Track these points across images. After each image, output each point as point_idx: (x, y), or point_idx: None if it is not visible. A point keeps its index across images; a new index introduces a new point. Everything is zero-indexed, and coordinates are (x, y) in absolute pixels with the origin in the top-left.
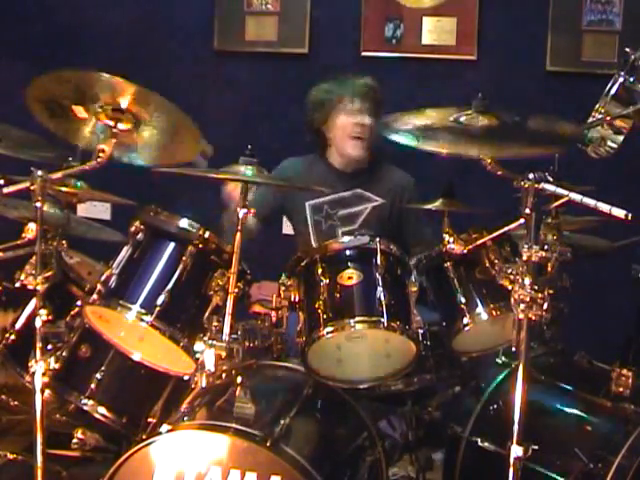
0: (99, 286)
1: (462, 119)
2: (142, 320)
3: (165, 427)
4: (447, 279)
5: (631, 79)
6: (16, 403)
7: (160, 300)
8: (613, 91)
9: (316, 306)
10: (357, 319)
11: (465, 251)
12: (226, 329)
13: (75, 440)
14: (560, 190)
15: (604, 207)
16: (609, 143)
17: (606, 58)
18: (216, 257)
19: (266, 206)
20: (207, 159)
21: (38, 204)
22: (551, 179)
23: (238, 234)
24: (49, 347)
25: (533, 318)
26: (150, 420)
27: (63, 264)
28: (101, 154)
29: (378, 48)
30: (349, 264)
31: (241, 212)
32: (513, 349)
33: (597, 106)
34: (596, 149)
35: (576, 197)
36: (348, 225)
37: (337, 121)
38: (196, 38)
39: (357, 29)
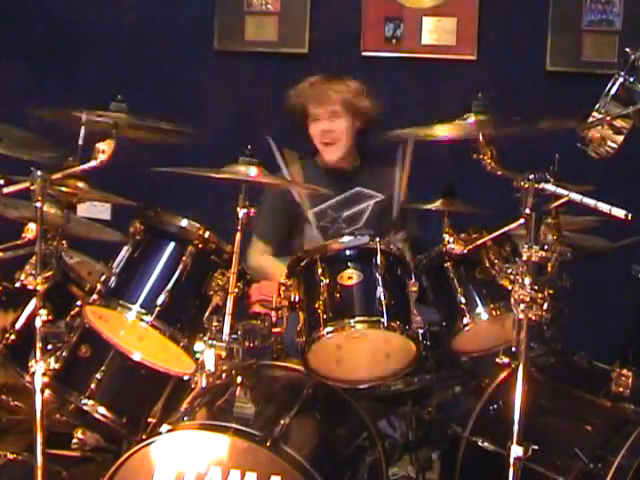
0: (99, 286)
1: None
2: (142, 320)
3: (165, 427)
4: (447, 279)
5: (631, 79)
6: (16, 403)
7: (160, 300)
8: (613, 91)
9: (316, 306)
10: (357, 319)
11: (465, 251)
12: (226, 329)
13: (75, 440)
14: (560, 190)
15: (604, 207)
16: (609, 143)
17: (606, 58)
18: (216, 257)
19: (276, 233)
20: None
21: (38, 204)
22: (551, 179)
23: (238, 234)
24: (49, 347)
25: (533, 318)
26: (150, 420)
27: (63, 264)
28: (101, 154)
29: (378, 48)
30: (349, 264)
31: (241, 212)
32: (513, 349)
33: (597, 106)
34: (596, 149)
35: (576, 197)
36: (353, 225)
37: (310, 129)
38: (196, 38)
39: (357, 29)
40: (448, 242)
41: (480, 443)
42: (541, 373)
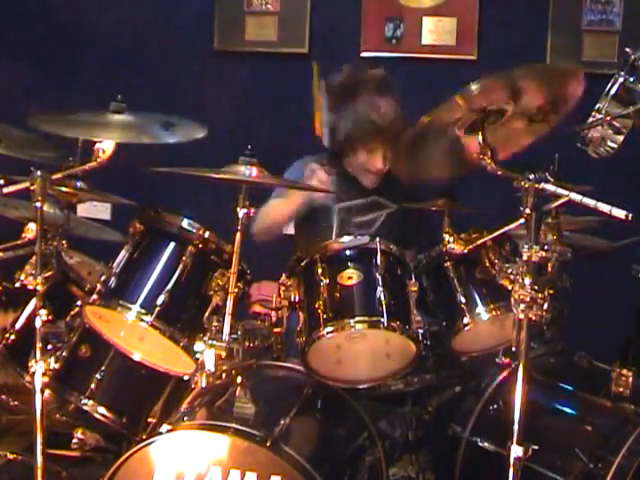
0: (99, 286)
1: None
2: (142, 320)
3: (165, 427)
4: (447, 279)
5: (631, 79)
6: (16, 403)
7: (160, 300)
8: (613, 91)
9: (316, 306)
10: (357, 319)
11: (465, 251)
12: (226, 329)
13: (75, 440)
14: (560, 190)
15: (604, 207)
16: (609, 143)
17: (606, 58)
18: (216, 257)
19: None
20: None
21: (38, 204)
22: (551, 179)
23: (238, 234)
24: (49, 347)
25: (533, 318)
26: (150, 420)
27: (63, 264)
28: (101, 154)
29: (378, 48)
30: (349, 264)
31: (241, 212)
32: (513, 349)
33: (597, 106)
34: (596, 149)
35: (576, 197)
36: (362, 231)
37: (356, 153)
38: (196, 38)
39: (357, 29)
40: (448, 242)
41: (480, 443)
42: (541, 373)
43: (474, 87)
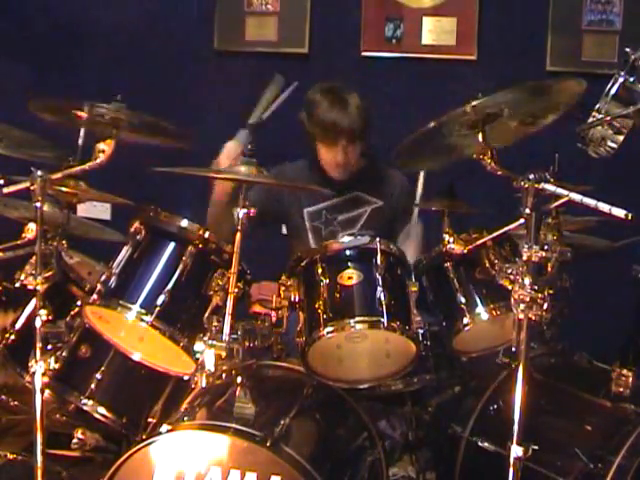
0: (99, 286)
1: None
2: (142, 320)
3: (165, 427)
4: (447, 279)
5: (631, 79)
6: (16, 403)
7: (160, 300)
8: (613, 91)
9: (316, 306)
10: (357, 319)
11: (465, 251)
12: (226, 329)
13: (75, 440)
14: (560, 190)
15: (604, 207)
16: (609, 143)
17: (606, 58)
18: (216, 257)
19: (259, 207)
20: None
21: (38, 204)
22: (551, 179)
23: (238, 234)
24: (49, 347)
25: (533, 318)
26: (150, 420)
27: (63, 264)
28: (101, 154)
29: (378, 48)
30: (349, 264)
31: (241, 212)
32: (513, 349)
33: (597, 106)
34: (596, 149)
35: (576, 197)
36: (348, 229)
37: (320, 149)
38: (196, 38)
39: (357, 29)
40: (448, 242)
41: (480, 443)
42: (541, 373)
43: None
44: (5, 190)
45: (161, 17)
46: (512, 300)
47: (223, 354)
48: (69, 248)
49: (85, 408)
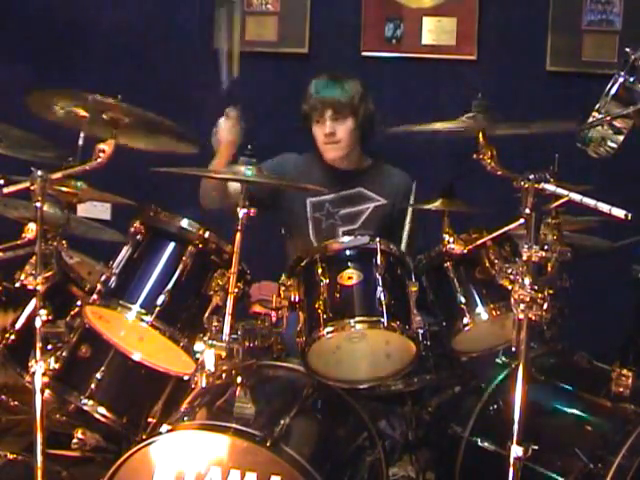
0: (99, 286)
1: None
2: (142, 320)
3: (165, 427)
4: (447, 279)
5: (631, 79)
6: (16, 403)
7: (160, 300)
8: (613, 91)
9: (316, 306)
10: (357, 319)
11: (465, 251)
12: (226, 329)
13: (75, 440)
14: (560, 190)
15: (604, 207)
16: (609, 143)
17: (606, 58)
18: (216, 257)
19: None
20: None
21: (38, 204)
22: (551, 179)
23: (238, 234)
24: (49, 347)
25: (533, 318)
26: (150, 420)
27: (63, 264)
28: (101, 154)
29: (378, 48)
30: (349, 264)
31: (241, 212)
32: (513, 349)
33: (597, 106)
34: (596, 149)
35: (576, 197)
36: (349, 224)
37: (313, 130)
38: (196, 38)
39: (357, 29)
40: (448, 242)
41: (480, 443)
42: (541, 373)
43: None
44: (5, 190)
45: (161, 17)
46: (512, 300)
47: (223, 354)
48: (69, 248)
49: (85, 408)
